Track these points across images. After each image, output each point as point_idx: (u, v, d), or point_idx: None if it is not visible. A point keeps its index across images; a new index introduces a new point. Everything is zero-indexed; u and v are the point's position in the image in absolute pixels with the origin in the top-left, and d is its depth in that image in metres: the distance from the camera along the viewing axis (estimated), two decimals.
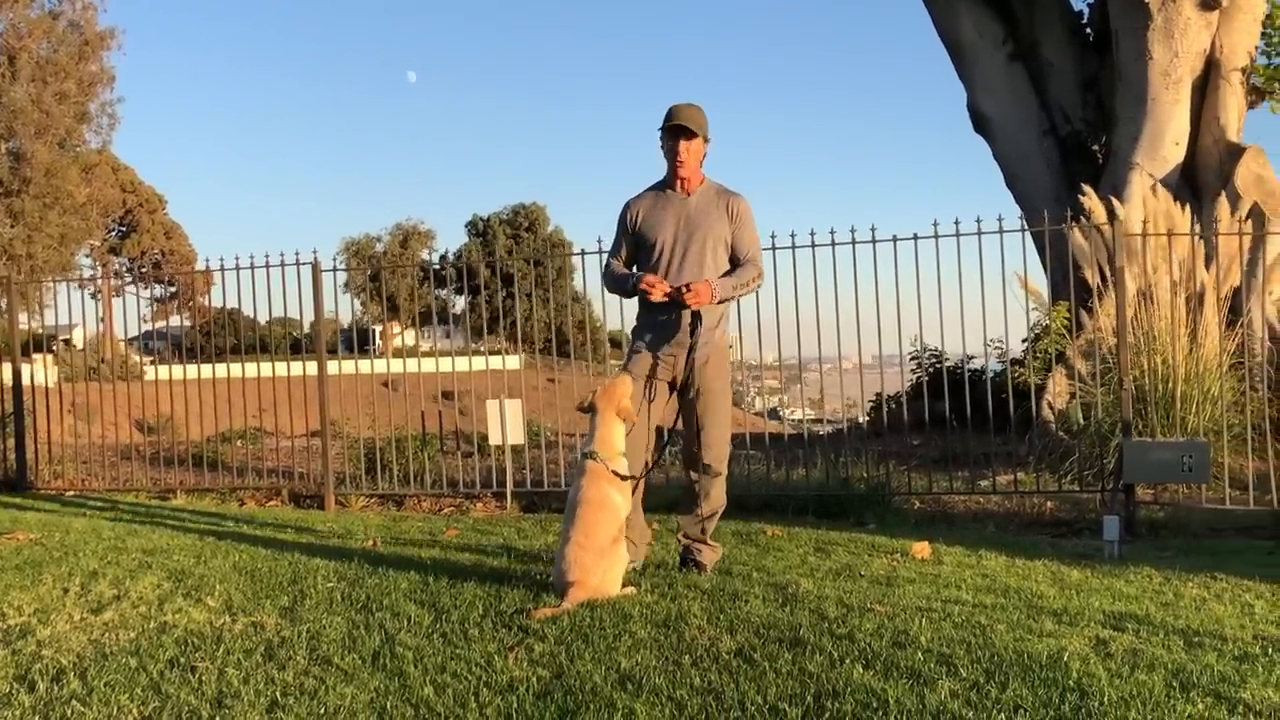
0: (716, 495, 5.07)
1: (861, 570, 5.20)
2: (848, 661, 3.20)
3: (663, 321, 4.87)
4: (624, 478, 4.41)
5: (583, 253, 8.19)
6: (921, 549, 5.87)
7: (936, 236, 7.51)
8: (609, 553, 4.19)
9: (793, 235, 7.75)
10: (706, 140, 4.94)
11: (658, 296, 4.75)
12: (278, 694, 2.93)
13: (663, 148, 4.94)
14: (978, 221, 7.51)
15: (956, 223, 7.50)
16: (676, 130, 4.81)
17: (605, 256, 5.26)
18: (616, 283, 5.07)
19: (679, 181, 4.94)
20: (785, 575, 4.88)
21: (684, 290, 4.71)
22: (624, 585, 4.27)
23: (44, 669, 3.21)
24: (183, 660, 3.22)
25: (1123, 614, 4.18)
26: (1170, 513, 7.44)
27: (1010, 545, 6.37)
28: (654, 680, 3.02)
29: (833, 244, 7.70)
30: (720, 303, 4.94)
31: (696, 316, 4.81)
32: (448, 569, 4.74)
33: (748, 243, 5.06)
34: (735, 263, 5.05)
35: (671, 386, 5.01)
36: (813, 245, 7.73)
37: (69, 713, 2.82)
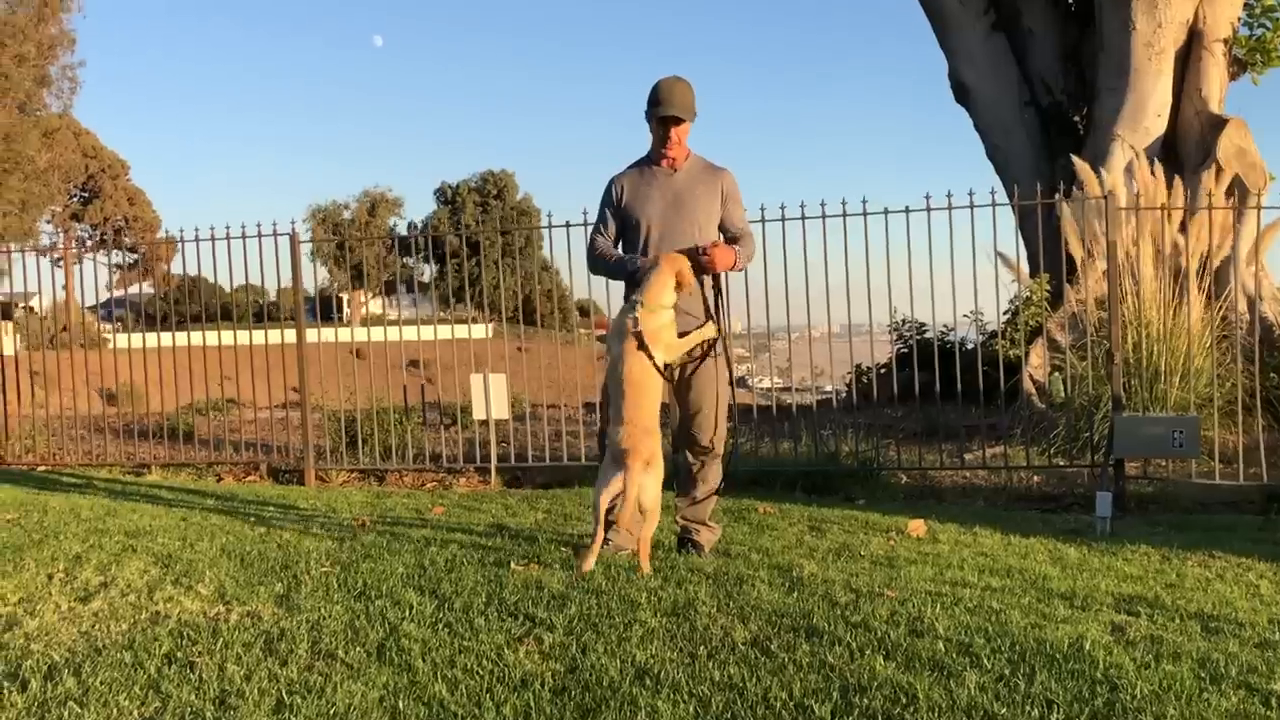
0: (714, 476, 4.98)
1: (860, 550, 5.13)
2: (868, 652, 3.12)
3: None
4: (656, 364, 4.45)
5: (565, 225, 8.03)
6: (917, 527, 5.82)
7: (928, 209, 7.42)
8: (653, 433, 4.39)
9: (782, 208, 7.65)
10: (694, 118, 4.81)
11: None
12: (283, 692, 2.81)
13: (650, 126, 4.80)
14: (970, 194, 7.43)
15: (949, 195, 7.42)
16: (668, 119, 4.67)
17: (589, 232, 5.09)
18: (608, 266, 4.88)
19: (666, 160, 4.82)
20: (785, 556, 4.81)
21: (703, 253, 4.60)
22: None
23: (35, 665, 3.07)
24: (180, 655, 3.08)
25: (1132, 597, 4.14)
26: (1158, 487, 7.44)
27: (1002, 521, 6.34)
28: (672, 674, 2.92)
29: (823, 216, 7.60)
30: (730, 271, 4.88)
31: (717, 286, 4.73)
32: (442, 552, 4.63)
33: (740, 218, 5.01)
34: (729, 239, 4.96)
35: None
36: (803, 218, 7.63)
37: (66, 714, 2.69)
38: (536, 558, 4.47)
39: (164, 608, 3.63)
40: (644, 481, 4.28)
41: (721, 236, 4.92)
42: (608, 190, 4.90)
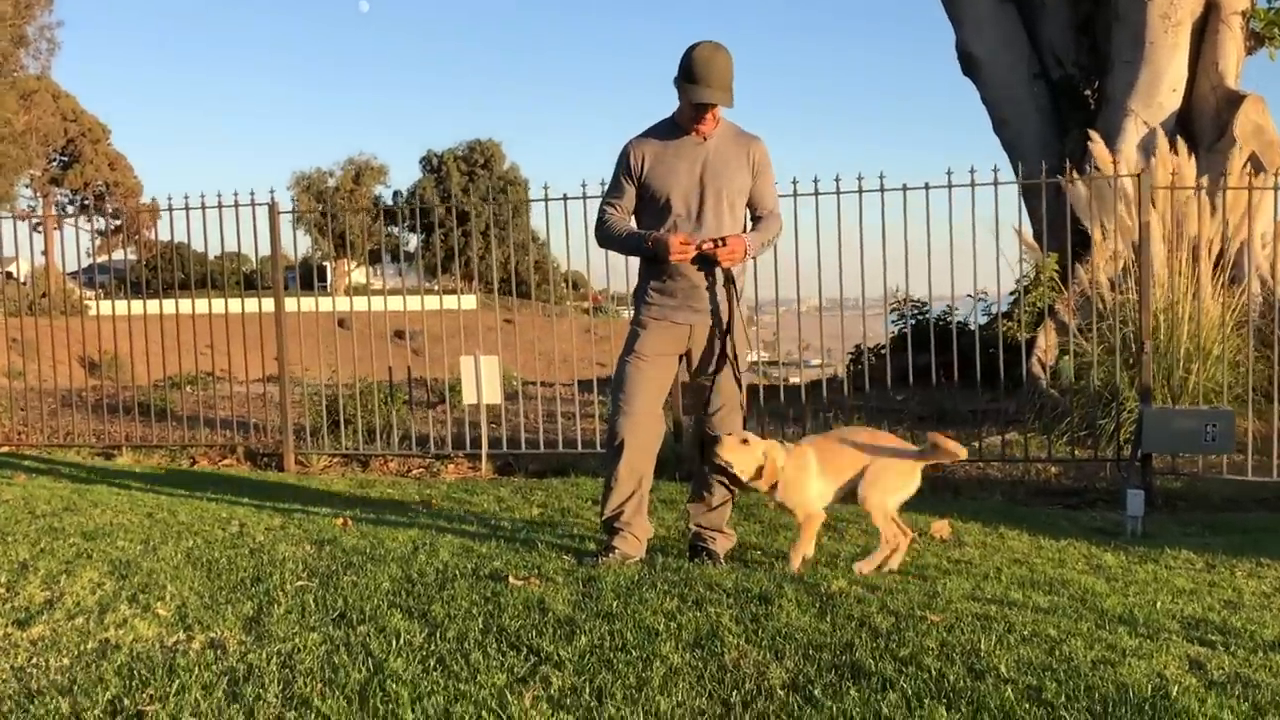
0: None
1: None
2: (928, 701, 2.70)
3: (677, 286, 4.30)
4: None
5: (563, 197, 7.55)
6: (940, 528, 5.42)
7: (950, 186, 6.98)
8: None
9: (794, 183, 7.17)
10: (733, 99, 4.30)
11: (684, 257, 4.18)
12: None
13: (680, 96, 4.29)
14: (995, 171, 6.99)
15: (972, 172, 6.98)
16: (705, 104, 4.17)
17: (599, 203, 4.61)
18: (621, 242, 4.43)
19: (696, 132, 4.33)
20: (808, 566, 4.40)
21: (717, 245, 4.14)
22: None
23: None
24: (127, 703, 2.63)
25: (1196, 620, 3.75)
26: (1186, 483, 7.07)
27: (1027, 520, 5.98)
28: None
29: (837, 192, 7.15)
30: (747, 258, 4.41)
31: (729, 277, 4.27)
32: (432, 560, 4.19)
33: (768, 193, 4.52)
34: (755, 215, 4.52)
35: (681, 359, 4.48)
36: (815, 194, 7.18)
37: None
38: (537, 569, 4.03)
39: (115, 634, 3.16)
40: None
41: (748, 214, 4.48)
42: (625, 157, 4.38)
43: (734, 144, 4.35)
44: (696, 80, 4.12)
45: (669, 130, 4.38)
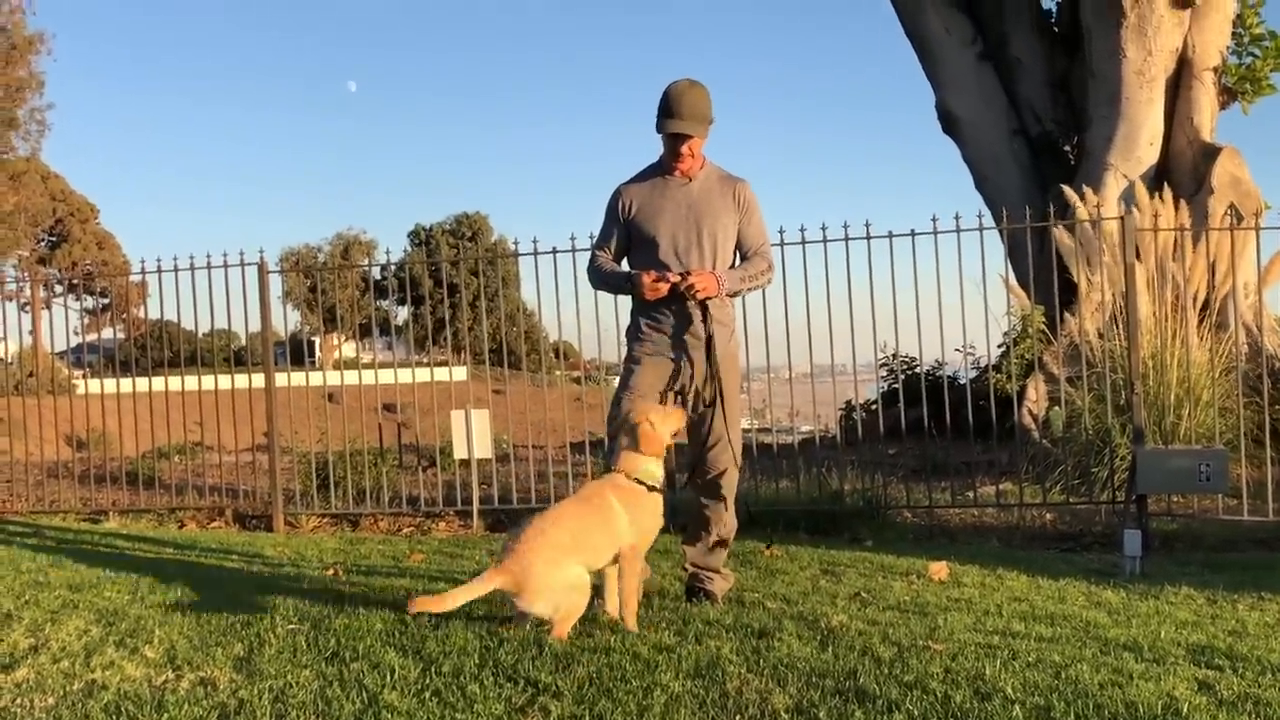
0: (729, 519, 4.50)
1: (885, 596, 4.68)
2: None
3: (668, 322, 4.31)
4: None
5: (552, 251, 7.59)
6: (939, 570, 5.38)
7: (936, 233, 7.01)
8: None
9: (781, 232, 7.20)
10: (708, 129, 4.37)
11: (653, 295, 4.21)
12: None
13: (661, 136, 4.36)
14: (979, 217, 7.04)
15: (957, 218, 7.01)
16: (678, 137, 4.23)
17: (590, 249, 4.67)
18: (605, 281, 4.51)
19: (678, 171, 4.38)
20: (806, 604, 4.35)
21: (685, 277, 4.15)
22: None
23: None
24: None
25: (1202, 646, 3.69)
26: (1182, 524, 7.04)
27: (1023, 563, 5.92)
28: None
29: (824, 240, 7.18)
30: (730, 296, 4.41)
31: (705, 311, 4.26)
32: None
33: (756, 233, 4.53)
34: (743, 256, 4.54)
35: (677, 395, 4.45)
36: (803, 242, 7.21)
37: None
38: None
39: (102, 676, 3.09)
40: None
41: (737, 255, 4.50)
42: (614, 201, 4.44)
43: (719, 184, 4.40)
44: (670, 114, 4.20)
45: (655, 173, 4.44)
